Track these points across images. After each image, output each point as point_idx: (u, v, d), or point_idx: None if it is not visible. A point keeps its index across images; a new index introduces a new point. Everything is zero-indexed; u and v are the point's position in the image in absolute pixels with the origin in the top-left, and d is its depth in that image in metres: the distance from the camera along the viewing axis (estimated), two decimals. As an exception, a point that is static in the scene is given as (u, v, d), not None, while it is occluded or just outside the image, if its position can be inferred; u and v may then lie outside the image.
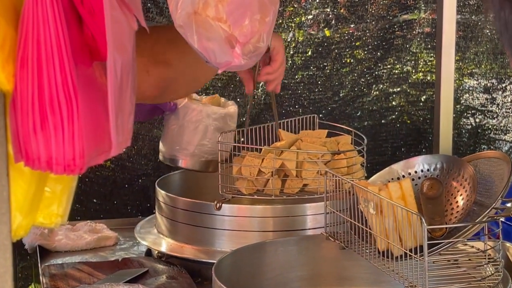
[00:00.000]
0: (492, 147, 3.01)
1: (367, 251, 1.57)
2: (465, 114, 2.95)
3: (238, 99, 2.73)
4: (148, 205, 2.68)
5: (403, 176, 1.70)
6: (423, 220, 1.36)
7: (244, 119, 2.70)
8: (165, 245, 2.04)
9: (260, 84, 2.63)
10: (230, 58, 1.27)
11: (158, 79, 1.45)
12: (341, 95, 2.86)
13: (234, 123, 2.21)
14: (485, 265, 1.51)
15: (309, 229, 1.93)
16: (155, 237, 2.09)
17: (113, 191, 2.68)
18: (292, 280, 1.73)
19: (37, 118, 0.77)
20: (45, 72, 0.78)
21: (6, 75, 0.78)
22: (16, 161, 0.79)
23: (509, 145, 3.02)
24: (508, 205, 1.48)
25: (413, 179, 1.67)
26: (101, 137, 0.81)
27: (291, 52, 2.81)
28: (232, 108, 2.22)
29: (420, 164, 1.70)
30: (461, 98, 2.94)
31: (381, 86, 2.89)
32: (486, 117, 2.99)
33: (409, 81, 2.90)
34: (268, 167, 1.97)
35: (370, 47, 2.85)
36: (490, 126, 3.01)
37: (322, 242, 1.72)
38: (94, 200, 2.69)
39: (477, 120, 2.99)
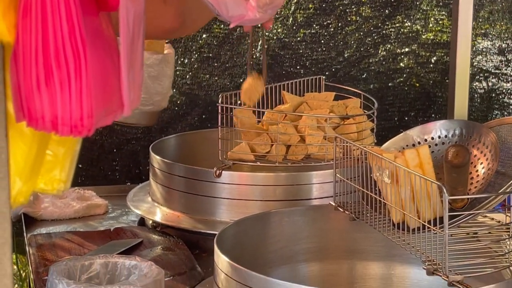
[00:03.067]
0: (505, 112, 2.99)
1: (379, 222, 1.55)
2: (478, 77, 2.93)
3: (235, 58, 2.70)
4: (137, 171, 2.66)
5: (419, 143, 1.68)
6: (445, 190, 1.34)
7: (242, 80, 2.68)
8: (160, 214, 2.02)
9: (258, 44, 2.60)
10: (244, 11, 1.23)
11: (176, 9, 1.38)
12: (345, 55, 2.83)
13: (171, 70, 2.14)
14: (507, 239, 1.49)
15: (315, 198, 1.92)
16: (149, 206, 2.07)
17: (100, 156, 2.65)
18: (298, 252, 1.71)
19: (41, 72, 0.74)
20: (50, 21, 0.74)
21: (7, 24, 0.75)
22: (18, 121, 0.76)
23: (523, 111, 3.01)
24: (535, 174, 1.47)
25: (429, 146, 1.64)
26: (110, 95, 0.78)
27: (292, 9, 2.77)
28: (167, 51, 2.15)
29: (437, 129, 1.68)
30: (473, 60, 2.91)
31: (389, 46, 2.85)
32: (500, 81, 2.97)
33: (419, 41, 2.86)
34: (273, 132, 1.94)
35: (377, 3, 2.82)
36: (504, 90, 2.99)
37: (331, 213, 1.70)
38: (80, 166, 2.66)
39: (490, 83, 2.97)
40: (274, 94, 2.09)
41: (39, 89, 0.75)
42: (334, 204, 1.69)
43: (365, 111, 2.06)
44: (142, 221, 2.11)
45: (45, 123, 0.75)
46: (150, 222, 2.04)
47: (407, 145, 1.68)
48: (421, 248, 1.43)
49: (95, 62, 0.76)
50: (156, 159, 2.06)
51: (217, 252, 1.50)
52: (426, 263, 1.39)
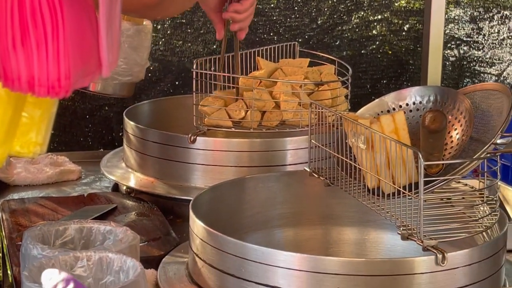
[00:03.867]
0: (476, 80, 3.00)
1: (354, 188, 1.54)
2: (449, 45, 2.92)
3: (208, 25, 2.67)
4: (110, 137, 2.64)
5: (394, 109, 1.67)
6: (420, 155, 1.33)
7: (215, 46, 2.65)
8: (134, 180, 2.00)
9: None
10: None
11: None
12: (319, 22, 2.81)
13: (148, 41, 2.12)
14: (480, 205, 1.49)
15: (290, 164, 1.91)
16: (123, 172, 2.05)
17: (73, 122, 2.62)
18: (273, 218, 1.70)
19: (17, 32, 0.71)
20: (26, -21, 0.71)
21: None
22: (-7, 82, 0.74)
23: (494, 79, 3.01)
24: (509, 140, 1.46)
25: (404, 112, 1.63)
26: (88, 56, 0.76)
27: (266, -25, 2.75)
28: (145, 22, 2.12)
29: (412, 96, 1.67)
30: (445, 28, 2.90)
31: (362, 13, 2.84)
32: (471, 48, 2.96)
33: (392, 8, 2.85)
34: (248, 98, 1.93)
35: (351, -29, 2.80)
36: (475, 58, 2.99)
37: (305, 179, 1.69)
38: (53, 131, 2.62)
39: (462, 51, 2.97)
40: (249, 60, 2.07)
41: (15, 49, 0.72)
42: (309, 170, 1.68)
43: (339, 77, 2.05)
44: (116, 187, 2.09)
45: (21, 84, 0.73)
46: (124, 188, 2.02)
47: (382, 111, 1.67)
48: (395, 214, 1.42)
49: (72, 21, 0.73)
50: (130, 125, 2.03)
51: (193, 218, 1.49)
52: (401, 228, 1.39)
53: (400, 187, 1.42)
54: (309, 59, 2.10)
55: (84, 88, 2.01)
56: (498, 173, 1.47)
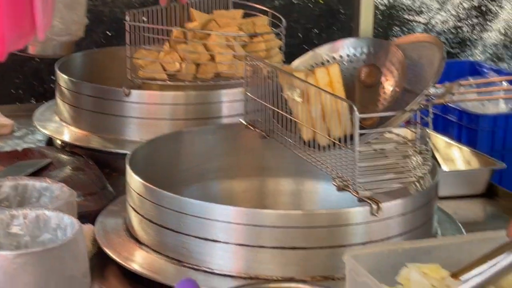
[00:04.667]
0: (405, 29, 3.02)
1: (290, 140, 1.54)
2: (380, -6, 2.94)
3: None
4: (42, 89, 2.58)
5: (328, 61, 1.67)
6: (355, 108, 1.33)
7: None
8: (68, 134, 1.96)
9: None
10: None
11: None
12: (250, -28, 2.78)
13: None
14: (413, 155, 1.51)
15: (225, 116, 1.90)
16: (57, 125, 2.01)
17: (4, 75, 2.56)
18: (210, 171, 1.70)
19: None
20: None
21: None
22: None
23: (422, 27, 3.04)
24: (441, 91, 1.47)
25: (338, 65, 1.63)
26: (22, 19, 0.73)
27: None
28: None
29: (346, 47, 1.66)
30: (376, -23, 2.91)
31: (293, -37, 2.82)
32: (400, -4, 2.98)
33: (323, -42, 2.84)
34: (182, 50, 1.90)
35: None
36: (404, 7, 3.01)
37: (241, 131, 1.68)
38: (-17, 85, 2.56)
39: (391, 0, 2.98)
40: (182, 12, 2.04)
41: None
42: (244, 122, 1.68)
43: (273, 28, 2.03)
44: (49, 141, 2.05)
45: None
46: (59, 142, 1.98)
47: (316, 64, 1.66)
48: (331, 165, 1.43)
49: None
50: (62, 78, 1.99)
51: (130, 173, 1.47)
52: (336, 180, 1.40)
53: (335, 140, 1.43)
54: (242, 11, 2.07)
55: (23, 51, 1.96)
56: (430, 124, 1.48)
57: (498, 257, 1.01)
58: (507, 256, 0.99)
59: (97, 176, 1.77)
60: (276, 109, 1.56)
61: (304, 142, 1.51)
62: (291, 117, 1.52)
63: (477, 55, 3.89)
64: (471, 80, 2.76)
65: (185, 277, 0.71)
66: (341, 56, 1.67)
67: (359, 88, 1.45)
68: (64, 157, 1.87)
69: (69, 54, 2.05)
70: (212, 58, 1.93)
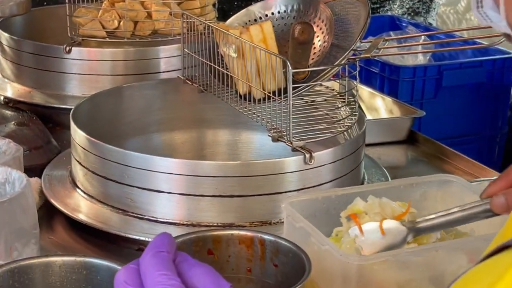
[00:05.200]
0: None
1: (227, 94, 1.53)
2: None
3: None
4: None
5: (260, 18, 1.65)
6: (289, 63, 1.32)
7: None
8: (11, 90, 1.91)
9: None
10: None
11: None
12: None
13: None
14: (342, 107, 1.51)
15: (163, 72, 1.86)
16: (0, 82, 1.95)
17: None
18: (150, 124, 1.67)
19: None
20: None
21: None
22: None
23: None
24: (367, 46, 1.48)
25: (271, 21, 1.62)
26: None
27: None
28: None
29: (277, 5, 1.65)
30: None
31: None
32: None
33: None
34: (120, 8, 1.86)
35: None
36: (329, -34, 2.99)
37: (180, 86, 1.66)
38: None
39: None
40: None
41: None
42: (182, 77, 1.65)
43: (206, -14, 2.00)
44: (-7, 98, 1.99)
45: None
46: (2, 98, 1.92)
47: (249, 21, 1.65)
48: (266, 117, 1.43)
49: None
50: (4, 36, 1.92)
51: (74, 128, 1.44)
52: (271, 131, 1.39)
53: (269, 93, 1.42)
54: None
55: None
56: (357, 77, 1.49)
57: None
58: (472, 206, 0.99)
59: (41, 131, 1.73)
60: (212, 64, 1.55)
61: (240, 95, 1.50)
62: (227, 72, 1.51)
63: (395, 9, 3.92)
64: (393, 35, 2.79)
65: (162, 233, 0.70)
66: (272, 13, 1.65)
67: (293, 45, 1.44)
68: (8, 113, 1.82)
69: (27, 12, 1.98)
70: (149, 16, 1.90)
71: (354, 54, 1.48)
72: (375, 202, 1.09)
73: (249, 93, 1.47)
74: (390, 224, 1.03)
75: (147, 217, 1.33)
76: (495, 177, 1.56)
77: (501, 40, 1.40)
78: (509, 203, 0.92)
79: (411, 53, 2.84)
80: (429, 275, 1.00)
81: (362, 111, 1.90)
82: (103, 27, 1.87)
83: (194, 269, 0.67)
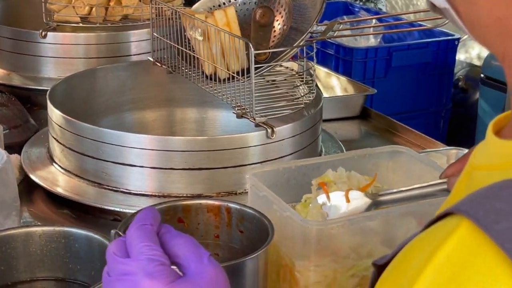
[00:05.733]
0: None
1: (194, 75, 1.52)
2: None
3: None
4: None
5: (224, 4, 1.64)
6: (251, 45, 1.32)
7: None
8: (-9, 73, 1.88)
9: None
10: None
11: None
12: None
13: None
14: (301, 85, 1.51)
15: (134, 55, 1.85)
16: (-21, 66, 1.92)
17: None
18: (122, 103, 1.66)
19: None
20: None
21: None
22: None
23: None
24: (323, 28, 1.48)
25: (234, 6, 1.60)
26: None
27: None
28: None
29: (240, -9, 1.64)
30: None
31: None
32: None
33: None
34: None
35: None
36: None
37: (150, 68, 1.65)
38: None
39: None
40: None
41: None
42: (152, 59, 1.64)
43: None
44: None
45: None
46: (-19, 80, 1.89)
47: (214, 6, 1.63)
48: (231, 96, 1.42)
49: None
50: (-18, 22, 1.89)
51: (50, 107, 1.43)
52: (236, 109, 1.39)
53: (233, 73, 1.41)
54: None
55: None
56: (314, 58, 1.49)
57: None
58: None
59: (20, 111, 1.70)
60: (180, 47, 1.53)
61: (206, 76, 1.49)
62: (194, 54, 1.50)
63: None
64: (347, 19, 2.79)
65: (147, 207, 0.71)
66: (235, -1, 1.64)
67: (255, 28, 1.43)
68: (-12, 94, 1.79)
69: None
70: (120, 2, 1.87)
71: (311, 37, 1.48)
72: (343, 173, 1.10)
73: (215, 74, 1.47)
74: (355, 194, 1.03)
75: (121, 189, 1.32)
76: (441, 148, 1.58)
77: (445, 22, 1.41)
78: None
79: (363, 35, 2.85)
80: (382, 239, 1.01)
81: (319, 89, 1.90)
82: (77, 13, 1.84)
83: (176, 239, 0.67)
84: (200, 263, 0.65)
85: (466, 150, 1.45)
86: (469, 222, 0.43)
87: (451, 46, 3.00)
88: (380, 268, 0.53)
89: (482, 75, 3.04)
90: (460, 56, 3.40)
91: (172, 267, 0.65)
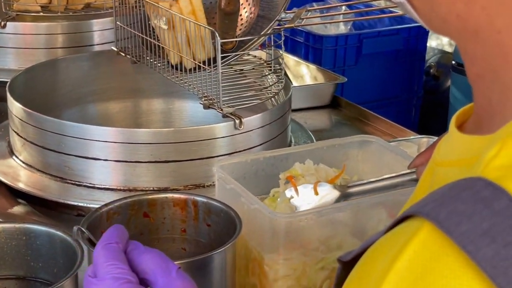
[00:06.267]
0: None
1: (159, 65, 1.51)
2: None
3: None
4: None
5: (189, -9, 1.63)
6: (217, 34, 1.31)
7: None
8: (-51, 65, 1.84)
9: None
10: None
11: None
12: None
13: None
14: (269, 74, 1.51)
15: (97, 44, 1.83)
16: None
17: None
18: (86, 94, 1.64)
19: None
20: None
21: None
22: None
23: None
24: (291, 16, 1.47)
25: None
26: None
27: None
28: None
29: (205, -21, 1.63)
30: None
31: None
32: None
33: None
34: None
35: None
36: None
37: (113, 57, 1.63)
38: None
39: None
40: None
41: None
42: (116, 49, 1.62)
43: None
44: None
45: None
46: None
47: (179, -6, 1.62)
48: (197, 86, 1.41)
49: None
50: None
51: (10, 100, 1.40)
52: (203, 99, 1.38)
53: (200, 63, 1.41)
54: None
55: None
56: (283, 46, 1.48)
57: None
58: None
59: (-21, 104, 1.68)
60: (144, 36, 1.52)
61: (172, 66, 1.48)
62: (158, 44, 1.49)
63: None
64: (316, 5, 2.79)
65: (113, 225, 0.72)
66: (201, -13, 1.63)
67: (220, 16, 1.43)
68: None
69: None
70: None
71: (279, 24, 1.47)
72: (311, 166, 1.10)
73: (180, 63, 1.46)
74: (323, 186, 1.03)
75: (84, 183, 1.31)
76: (412, 137, 1.59)
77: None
78: None
79: (333, 22, 2.85)
80: (352, 230, 1.01)
81: (288, 78, 1.91)
82: (37, 2, 1.81)
83: (143, 255, 0.68)
84: (168, 277, 0.66)
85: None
86: (430, 225, 0.43)
87: (422, 32, 3.02)
88: (345, 264, 0.53)
89: (453, 62, 3.06)
90: (432, 42, 3.42)
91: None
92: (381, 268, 0.44)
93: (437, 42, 3.51)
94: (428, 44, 3.14)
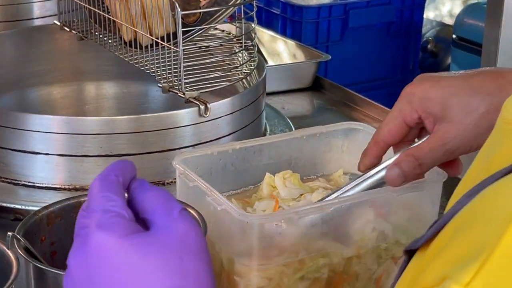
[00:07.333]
0: None
1: (110, 41, 1.49)
2: None
3: None
4: None
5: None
6: (177, 5, 1.30)
7: None
8: None
9: None
10: None
11: None
12: None
13: None
14: (239, 52, 1.50)
15: (37, 18, 1.81)
16: None
17: None
18: (24, 77, 1.63)
19: None
20: None
21: None
22: None
23: None
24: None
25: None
26: None
27: None
28: None
29: None
30: None
31: None
32: None
33: None
34: None
35: None
36: None
37: (56, 33, 1.62)
38: None
39: None
40: None
41: None
42: (59, 23, 1.61)
43: None
44: None
45: None
46: None
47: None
48: (155, 66, 1.40)
49: None
50: None
51: None
52: (162, 81, 1.37)
53: (157, 38, 1.39)
54: None
55: None
56: (255, 18, 1.47)
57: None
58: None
59: None
60: (93, 8, 1.50)
61: (125, 42, 1.47)
62: (109, 17, 1.47)
63: None
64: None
65: (121, 160, 0.74)
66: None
67: (180, -17, 1.42)
68: None
69: None
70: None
71: None
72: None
73: (135, 40, 1.44)
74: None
75: (23, 182, 1.30)
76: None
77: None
78: (405, 172, 0.92)
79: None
80: (335, 234, 1.00)
81: (262, 56, 1.90)
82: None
83: (146, 192, 0.70)
84: (168, 217, 0.67)
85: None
86: None
87: (418, 2, 3.02)
88: (412, 255, 0.53)
89: (454, 36, 3.07)
90: (429, 14, 3.43)
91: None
92: (507, 212, 0.44)
93: (435, 13, 3.53)
94: (425, 16, 3.15)
